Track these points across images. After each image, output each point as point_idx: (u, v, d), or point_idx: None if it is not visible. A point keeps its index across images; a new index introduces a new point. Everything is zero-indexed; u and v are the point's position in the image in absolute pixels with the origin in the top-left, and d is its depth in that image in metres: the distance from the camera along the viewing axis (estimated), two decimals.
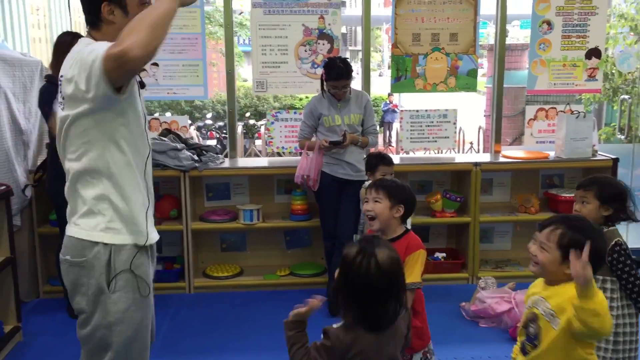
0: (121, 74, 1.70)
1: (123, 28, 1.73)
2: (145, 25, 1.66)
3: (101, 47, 1.69)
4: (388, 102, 14.31)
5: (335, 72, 3.68)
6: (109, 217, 1.85)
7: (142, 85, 1.97)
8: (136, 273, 1.87)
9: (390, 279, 1.64)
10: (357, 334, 1.66)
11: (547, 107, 4.69)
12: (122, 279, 1.85)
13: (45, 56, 5.22)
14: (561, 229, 1.86)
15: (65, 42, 3.41)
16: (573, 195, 2.59)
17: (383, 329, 1.67)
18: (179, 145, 4.10)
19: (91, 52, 1.71)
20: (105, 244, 1.84)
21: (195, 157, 4.14)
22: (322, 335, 1.71)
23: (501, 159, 4.45)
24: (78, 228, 1.88)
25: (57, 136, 1.93)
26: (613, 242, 2.37)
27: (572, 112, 4.33)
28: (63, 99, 1.84)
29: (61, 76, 1.85)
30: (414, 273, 2.28)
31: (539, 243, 1.90)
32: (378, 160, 3.60)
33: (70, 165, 1.88)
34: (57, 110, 1.92)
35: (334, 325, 1.72)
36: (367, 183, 3.74)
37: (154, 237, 1.97)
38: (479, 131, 10.59)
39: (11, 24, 4.94)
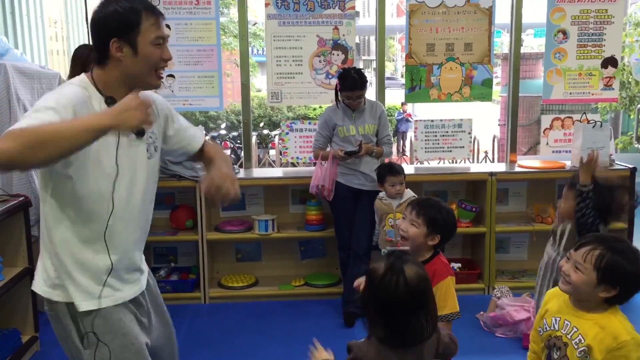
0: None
1: (130, 69, 1.71)
2: (33, 138, 1.44)
3: (22, 119, 1.55)
4: (402, 111, 14.31)
5: (350, 82, 3.69)
6: (54, 274, 1.81)
7: (139, 134, 1.81)
8: (97, 331, 1.81)
9: (416, 296, 1.60)
10: (380, 349, 1.64)
11: (562, 116, 4.67)
12: (92, 339, 1.83)
13: (63, 68, 5.29)
14: (600, 250, 1.77)
15: (82, 55, 3.45)
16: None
17: (407, 346, 1.63)
18: None
19: (26, 112, 1.60)
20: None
21: None
22: (347, 352, 1.70)
23: (517, 169, 4.43)
24: (38, 281, 1.87)
25: None
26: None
27: (588, 122, 4.30)
28: None
29: None
30: (448, 303, 2.22)
31: (572, 262, 1.82)
32: (386, 172, 3.62)
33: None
34: None
35: (359, 340, 1.70)
36: (382, 194, 3.74)
37: (105, 302, 1.82)
38: (493, 140, 10.55)
39: (29, 36, 5.01)
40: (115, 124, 1.51)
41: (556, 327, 1.88)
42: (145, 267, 2.04)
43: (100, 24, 1.73)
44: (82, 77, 1.78)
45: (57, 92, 1.70)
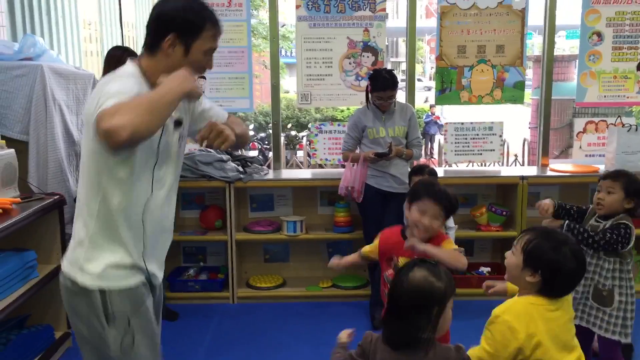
0: (106, 147, 1.59)
1: (175, 66, 1.73)
2: (145, 108, 1.55)
3: (103, 103, 1.58)
4: (430, 114, 14.23)
5: (381, 82, 3.68)
6: (87, 256, 1.82)
7: (177, 123, 1.88)
8: (120, 308, 1.82)
9: (415, 298, 1.63)
10: (382, 347, 1.68)
11: (596, 119, 4.58)
12: (118, 314, 1.82)
13: (97, 69, 5.37)
14: (530, 235, 1.89)
15: (115, 56, 3.51)
16: (599, 185, 2.75)
17: (397, 347, 1.65)
18: (225, 157, 4.17)
19: (99, 101, 1.63)
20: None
21: (240, 169, 4.20)
22: None
23: (549, 173, 4.36)
24: (67, 261, 1.88)
25: None
26: (619, 222, 2.60)
27: (623, 125, 4.21)
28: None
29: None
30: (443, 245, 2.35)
31: (512, 247, 1.94)
32: (412, 172, 3.66)
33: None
34: None
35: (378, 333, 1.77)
36: None
37: (132, 281, 1.84)
38: (523, 143, 10.41)
39: (65, 38, 5.10)
40: (192, 89, 1.67)
41: None
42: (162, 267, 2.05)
43: (166, 15, 1.78)
44: (132, 67, 1.81)
45: (119, 82, 1.72)
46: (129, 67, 1.82)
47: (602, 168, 4.30)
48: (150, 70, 1.80)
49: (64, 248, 3.42)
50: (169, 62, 1.78)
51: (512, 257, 1.91)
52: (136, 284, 1.83)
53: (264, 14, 13.70)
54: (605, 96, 4.45)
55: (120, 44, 5.54)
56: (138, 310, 1.83)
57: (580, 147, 4.59)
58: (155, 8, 1.82)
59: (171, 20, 1.76)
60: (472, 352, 1.83)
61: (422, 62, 29.84)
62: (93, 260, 1.79)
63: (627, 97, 4.48)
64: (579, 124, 4.61)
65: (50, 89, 3.69)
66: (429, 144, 13.90)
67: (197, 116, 2.02)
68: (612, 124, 4.37)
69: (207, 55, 1.83)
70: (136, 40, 7.27)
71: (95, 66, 5.66)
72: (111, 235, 1.79)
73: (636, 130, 4.16)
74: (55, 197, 3.36)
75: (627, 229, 2.58)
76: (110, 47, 3.78)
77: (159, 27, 1.78)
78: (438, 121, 13.82)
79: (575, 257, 1.83)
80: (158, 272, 1.95)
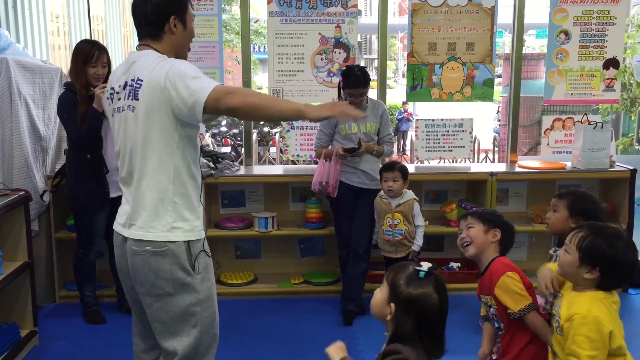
0: (215, 112, 1.94)
1: (180, 42, 2.08)
2: (269, 102, 1.98)
3: (209, 82, 1.90)
4: (403, 110, 14.32)
5: (353, 80, 3.69)
6: (172, 218, 2.05)
7: None
8: (208, 254, 2.14)
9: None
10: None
11: (563, 117, 4.67)
12: (201, 262, 2.09)
13: (64, 63, 5.28)
14: (583, 232, 1.88)
15: (84, 50, 3.45)
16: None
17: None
18: None
19: (196, 79, 1.91)
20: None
21: (211, 165, 4.17)
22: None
23: (517, 169, 4.43)
24: (145, 229, 2.05)
25: (117, 137, 2.10)
26: None
27: (589, 123, 4.30)
28: (134, 99, 1.98)
29: (139, 79, 1.97)
30: (514, 298, 2.18)
31: (565, 245, 1.93)
32: (382, 168, 3.73)
33: (142, 169, 2.03)
34: (110, 113, 2.12)
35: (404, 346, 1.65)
36: (382, 192, 3.75)
37: (203, 233, 2.16)
38: (494, 140, 10.55)
39: (31, 31, 5.00)
40: (331, 114, 1.99)
41: (554, 302, 2.02)
42: None
43: (163, 3, 2.04)
44: (155, 54, 2.04)
45: (192, 65, 2.00)
46: (156, 53, 2.05)
47: (569, 165, 4.39)
48: (165, 52, 2.06)
49: (29, 244, 3.36)
50: (175, 40, 2.08)
51: (567, 256, 1.89)
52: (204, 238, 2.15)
53: (236, 9, 13.60)
54: (572, 94, 4.54)
55: (88, 37, 5.44)
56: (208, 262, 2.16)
57: (548, 144, 4.67)
58: (147, 1, 2.04)
59: (170, 5, 2.04)
60: None
61: (394, 59, 29.99)
62: (179, 220, 2.05)
63: (593, 95, 4.57)
64: (547, 121, 4.69)
65: (16, 83, 3.62)
66: (402, 140, 14.00)
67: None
68: (578, 121, 4.45)
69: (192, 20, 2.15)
70: (105, 34, 7.17)
71: (62, 60, 5.56)
72: (185, 198, 2.07)
73: (602, 127, 4.25)
74: (21, 193, 3.30)
75: None
76: (78, 41, 3.71)
77: (162, 14, 2.04)
78: (411, 118, 13.92)
79: (631, 250, 1.86)
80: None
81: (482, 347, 2.42)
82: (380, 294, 1.69)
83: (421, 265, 1.65)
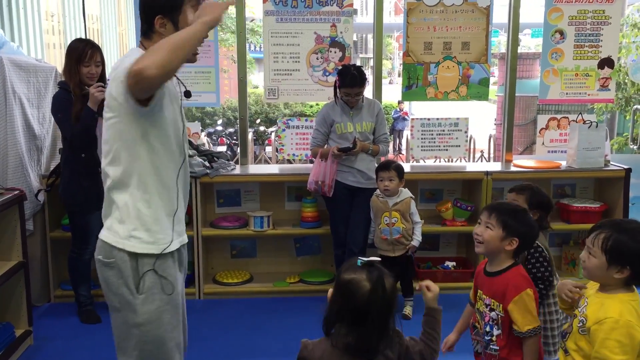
0: (139, 90, 1.78)
1: None
2: (166, 47, 1.73)
3: (130, 63, 1.76)
4: (398, 109, 14.32)
5: (350, 79, 3.69)
6: (133, 225, 1.93)
7: (187, 94, 2.08)
8: (159, 273, 1.95)
9: (390, 308, 1.68)
10: (335, 353, 1.68)
11: (559, 116, 4.68)
12: (148, 280, 1.93)
13: (59, 62, 5.27)
14: (605, 232, 1.82)
15: (77, 49, 3.44)
16: (579, 204, 2.70)
17: (370, 355, 1.66)
18: (191, 152, 4.12)
19: (126, 65, 1.80)
20: (129, 251, 1.93)
21: (207, 164, 4.16)
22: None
23: (512, 168, 4.43)
24: (108, 232, 1.97)
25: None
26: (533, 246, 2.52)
27: (584, 122, 4.31)
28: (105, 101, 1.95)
29: (108, 79, 1.95)
30: (527, 318, 2.12)
31: (586, 248, 1.88)
32: (379, 167, 3.72)
33: (106, 169, 1.97)
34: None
35: (313, 340, 1.77)
36: (378, 191, 3.75)
37: (175, 245, 2.01)
38: (489, 140, 10.57)
39: (26, 30, 4.99)
40: (212, 20, 1.82)
41: (579, 304, 1.96)
42: None
43: (149, 1, 1.96)
44: (137, 49, 1.98)
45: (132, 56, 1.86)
46: (137, 50, 1.96)
47: (564, 164, 4.40)
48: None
49: (24, 244, 3.35)
50: None
51: (593, 259, 1.83)
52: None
53: (232, 8, 13.59)
54: (567, 93, 4.55)
55: (83, 36, 5.43)
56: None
57: (543, 144, 4.68)
58: None
59: (154, 4, 1.94)
60: None
61: (390, 58, 30.01)
62: (140, 229, 1.95)
63: (588, 95, 4.58)
64: (542, 120, 4.70)
65: (10, 82, 3.60)
66: (397, 139, 14.00)
67: None
68: (573, 120, 4.46)
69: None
70: (100, 32, 7.15)
71: (57, 59, 5.55)
72: (150, 206, 1.95)
73: (596, 127, 4.26)
74: (16, 192, 3.28)
75: (538, 252, 2.53)
76: (72, 40, 3.70)
77: (147, 13, 1.96)
78: (406, 117, 13.93)
79: None
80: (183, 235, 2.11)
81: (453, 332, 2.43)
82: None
83: (360, 259, 1.69)
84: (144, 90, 1.78)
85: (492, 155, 10.23)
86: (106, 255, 1.96)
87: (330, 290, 1.73)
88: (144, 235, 1.93)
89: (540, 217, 2.60)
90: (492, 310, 2.23)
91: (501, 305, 2.18)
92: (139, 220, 1.93)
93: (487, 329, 2.25)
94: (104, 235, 1.98)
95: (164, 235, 1.96)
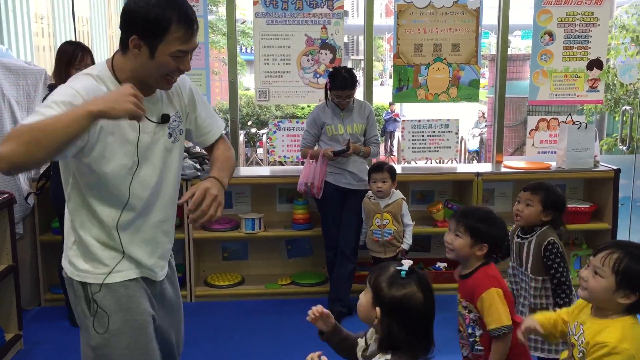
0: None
1: (142, 68, 1.68)
2: (25, 137, 1.46)
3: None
4: (390, 111, 14.35)
5: (340, 81, 3.69)
6: (73, 251, 1.86)
7: (164, 119, 1.83)
8: (98, 304, 1.82)
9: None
10: None
11: (548, 117, 4.70)
12: (99, 303, 1.83)
13: (49, 65, 5.24)
14: (618, 253, 1.73)
15: (67, 51, 3.43)
16: (569, 204, 2.69)
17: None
18: None
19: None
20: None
21: (198, 166, 4.15)
22: None
23: (503, 169, 4.45)
24: (64, 250, 1.92)
25: None
26: (546, 241, 2.53)
27: (573, 123, 4.33)
28: None
29: None
30: (493, 317, 2.13)
31: (592, 267, 1.77)
32: (371, 169, 3.74)
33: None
34: None
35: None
36: (370, 193, 3.76)
37: (114, 277, 1.84)
38: (480, 141, 10.62)
39: (15, 32, 4.96)
40: (104, 110, 1.49)
41: (573, 331, 1.88)
42: (170, 260, 2.07)
43: (127, 15, 1.68)
44: (102, 64, 1.78)
45: (68, 85, 1.68)
46: (97, 67, 1.77)
47: (553, 165, 4.42)
48: (120, 68, 1.74)
49: (13, 248, 3.33)
50: (137, 62, 1.70)
51: (601, 280, 1.74)
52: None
53: (223, 10, 13.58)
54: (556, 94, 4.57)
55: (72, 39, 5.40)
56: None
57: (533, 145, 4.70)
58: (124, 5, 1.74)
59: (133, 20, 1.66)
60: None
61: (382, 60, 30.06)
62: (80, 257, 1.86)
63: (577, 96, 4.61)
64: (532, 121, 4.72)
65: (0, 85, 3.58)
66: (389, 141, 14.03)
67: (193, 122, 1.98)
68: (563, 121, 4.49)
69: (178, 58, 1.71)
70: (90, 35, 7.12)
71: (47, 61, 5.52)
72: (88, 234, 1.84)
73: (586, 128, 4.28)
74: (5, 196, 3.27)
75: (555, 247, 2.54)
76: (62, 42, 3.69)
77: (125, 25, 1.69)
78: (398, 119, 13.96)
79: None
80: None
81: None
82: (364, 298, 1.64)
83: (402, 265, 1.60)
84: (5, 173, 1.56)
85: (483, 157, 10.27)
86: (64, 271, 1.91)
87: (363, 303, 1.63)
88: (81, 264, 1.84)
89: (554, 217, 2.59)
90: (470, 312, 2.26)
91: (473, 305, 2.21)
92: (78, 247, 1.85)
93: (470, 330, 2.27)
94: (63, 255, 1.92)
95: (103, 266, 1.82)
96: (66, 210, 1.88)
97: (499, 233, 2.25)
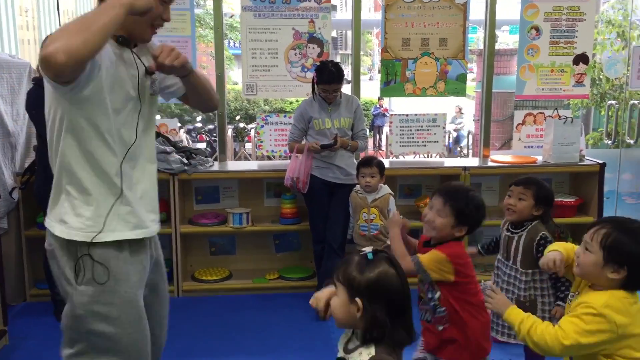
0: (51, 76, 1.59)
1: (136, 19, 1.73)
2: (77, 30, 1.54)
3: None
4: (378, 106, 14.35)
5: (327, 76, 3.69)
6: (64, 208, 1.81)
7: (147, 71, 1.88)
8: (95, 259, 1.79)
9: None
10: (397, 352, 1.55)
11: (535, 112, 4.73)
12: (87, 268, 1.79)
13: (33, 58, 5.19)
14: (606, 228, 1.72)
15: None
16: (555, 198, 2.80)
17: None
18: (168, 149, 4.09)
19: None
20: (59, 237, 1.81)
21: (185, 161, 4.13)
22: None
23: (490, 164, 4.47)
24: (47, 217, 1.88)
25: None
26: (539, 236, 2.58)
27: (559, 117, 4.36)
28: None
29: None
30: (427, 257, 2.24)
31: (583, 243, 1.78)
32: (359, 163, 3.72)
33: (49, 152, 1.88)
34: None
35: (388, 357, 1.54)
36: (358, 187, 3.76)
37: (112, 236, 1.82)
38: (468, 135, 10.66)
39: None
40: (128, 9, 1.63)
41: (569, 300, 1.92)
42: (160, 254, 2.14)
43: None
44: None
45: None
46: None
47: (539, 159, 4.45)
48: None
49: None
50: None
51: (589, 255, 1.73)
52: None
53: (211, 4, 13.50)
54: (543, 89, 4.59)
55: None
56: None
57: (520, 139, 4.73)
58: None
59: None
60: (548, 331, 1.75)
61: (370, 55, 30.05)
62: (70, 214, 1.82)
63: (564, 90, 4.63)
64: (519, 116, 4.74)
65: None
66: (378, 135, 14.04)
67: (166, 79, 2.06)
68: (549, 116, 4.51)
69: (164, 4, 1.87)
70: None
71: (32, 55, 5.47)
72: (79, 189, 1.82)
73: (572, 122, 4.31)
74: None
75: (548, 242, 2.55)
76: (47, 35, 3.65)
77: None
78: (386, 113, 13.97)
79: None
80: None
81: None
82: (338, 299, 1.56)
83: (364, 250, 1.58)
84: (56, 77, 1.59)
85: (471, 151, 10.30)
86: (48, 242, 1.85)
87: (338, 305, 1.56)
88: (73, 221, 1.79)
89: (544, 212, 2.63)
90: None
91: None
92: (71, 205, 1.80)
93: (430, 295, 2.31)
94: (45, 221, 1.88)
95: (94, 223, 1.79)
96: (56, 169, 1.84)
97: (481, 218, 2.29)
